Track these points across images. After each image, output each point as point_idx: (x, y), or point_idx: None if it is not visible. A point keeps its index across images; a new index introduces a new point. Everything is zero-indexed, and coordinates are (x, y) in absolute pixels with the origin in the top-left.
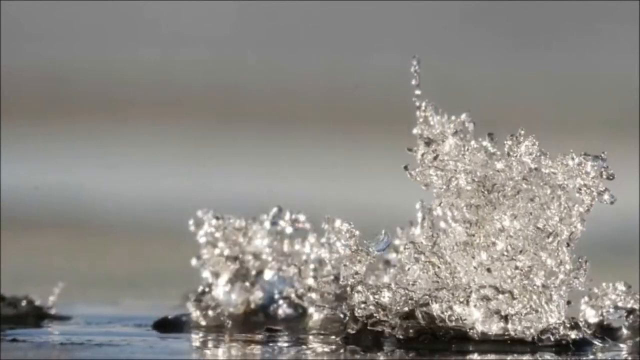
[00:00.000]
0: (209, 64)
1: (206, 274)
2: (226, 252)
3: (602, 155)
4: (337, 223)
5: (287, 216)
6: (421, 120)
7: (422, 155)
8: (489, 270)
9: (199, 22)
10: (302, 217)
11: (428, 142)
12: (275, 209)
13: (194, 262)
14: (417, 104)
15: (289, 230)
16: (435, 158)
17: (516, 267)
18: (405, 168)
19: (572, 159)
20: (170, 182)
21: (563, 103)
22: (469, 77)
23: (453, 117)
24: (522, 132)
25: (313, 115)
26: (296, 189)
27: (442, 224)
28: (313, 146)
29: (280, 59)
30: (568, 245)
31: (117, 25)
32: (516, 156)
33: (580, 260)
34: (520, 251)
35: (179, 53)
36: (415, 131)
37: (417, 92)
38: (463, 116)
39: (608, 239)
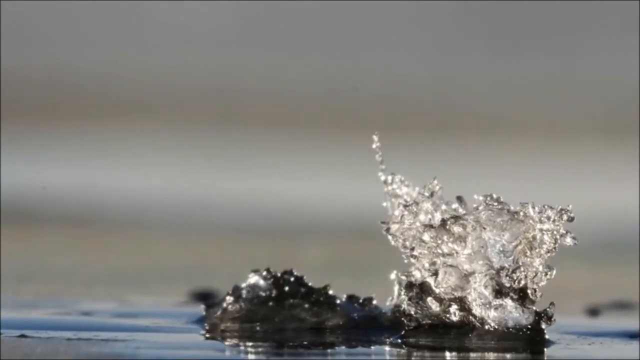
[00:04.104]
0: (209, 65)
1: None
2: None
3: (568, 207)
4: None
5: (279, 273)
6: (389, 193)
7: (401, 217)
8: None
9: (199, 23)
10: (289, 274)
11: (406, 205)
12: (265, 272)
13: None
14: (383, 178)
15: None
16: (415, 216)
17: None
18: (384, 223)
19: (533, 207)
20: (173, 181)
21: (561, 105)
22: (466, 79)
23: (423, 186)
24: (491, 195)
25: (312, 116)
26: (294, 190)
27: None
28: (312, 147)
29: (280, 61)
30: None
31: (120, 26)
32: (477, 209)
33: (548, 308)
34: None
35: (178, 54)
36: (385, 204)
37: (382, 166)
38: (434, 182)
39: (608, 238)
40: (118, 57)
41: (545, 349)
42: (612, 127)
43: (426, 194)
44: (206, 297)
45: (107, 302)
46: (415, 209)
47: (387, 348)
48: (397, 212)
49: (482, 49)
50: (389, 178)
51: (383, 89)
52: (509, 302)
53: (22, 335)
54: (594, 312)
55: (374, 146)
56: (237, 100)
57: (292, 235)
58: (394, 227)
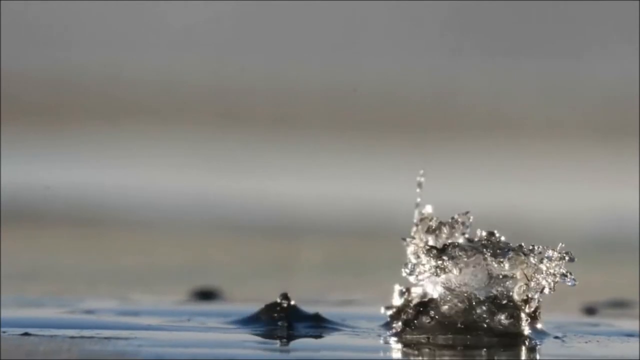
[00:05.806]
0: (209, 66)
1: None
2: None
3: (570, 253)
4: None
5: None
6: (419, 221)
7: (419, 235)
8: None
9: (199, 25)
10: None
11: (429, 226)
12: (282, 298)
13: None
14: (417, 213)
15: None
16: (433, 231)
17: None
18: (404, 239)
19: (532, 249)
20: (174, 181)
21: (559, 106)
22: (466, 80)
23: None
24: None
25: (313, 117)
26: (294, 190)
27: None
28: (312, 148)
29: (280, 62)
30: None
31: (120, 26)
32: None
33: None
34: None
35: (178, 55)
36: (413, 230)
37: (419, 200)
38: (467, 215)
39: (605, 238)
40: (118, 57)
41: (540, 347)
42: (612, 127)
43: (459, 219)
44: (207, 296)
45: (109, 300)
46: (437, 231)
47: (385, 345)
48: (422, 231)
49: (481, 51)
50: (424, 208)
51: (382, 90)
52: (503, 320)
53: (26, 334)
54: (591, 310)
55: (417, 179)
56: (237, 101)
57: (292, 235)
58: (412, 245)
